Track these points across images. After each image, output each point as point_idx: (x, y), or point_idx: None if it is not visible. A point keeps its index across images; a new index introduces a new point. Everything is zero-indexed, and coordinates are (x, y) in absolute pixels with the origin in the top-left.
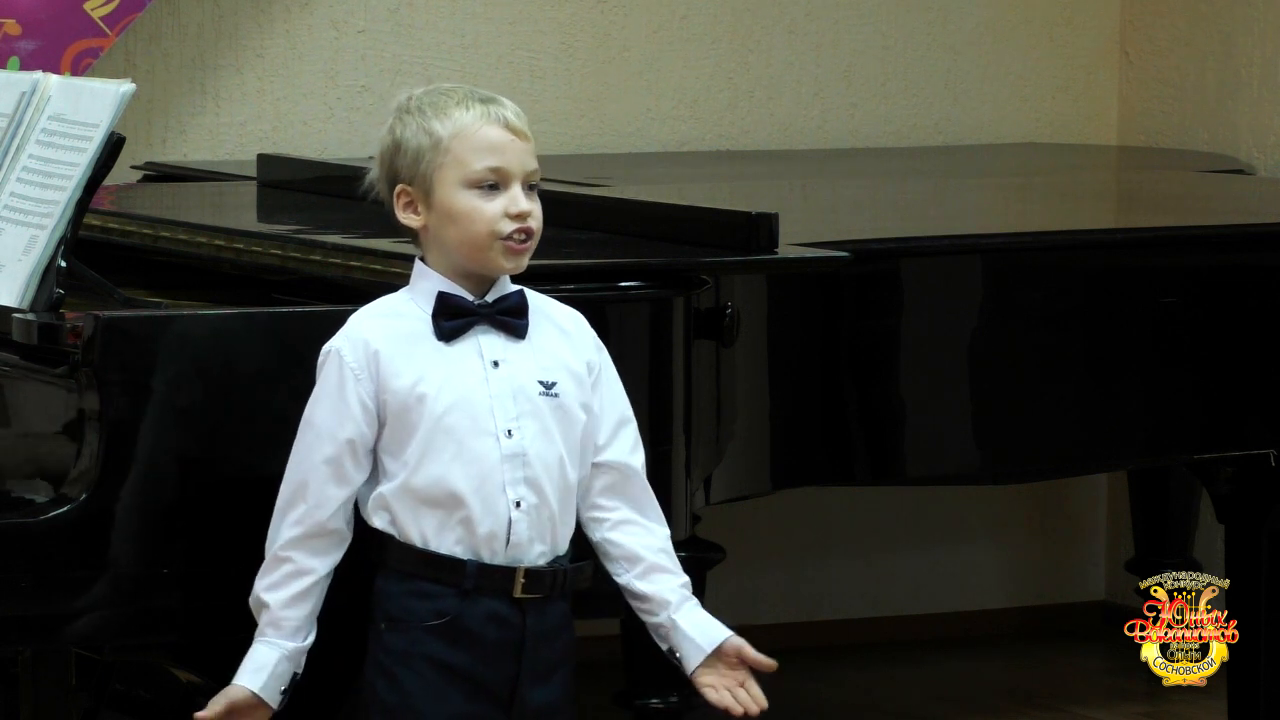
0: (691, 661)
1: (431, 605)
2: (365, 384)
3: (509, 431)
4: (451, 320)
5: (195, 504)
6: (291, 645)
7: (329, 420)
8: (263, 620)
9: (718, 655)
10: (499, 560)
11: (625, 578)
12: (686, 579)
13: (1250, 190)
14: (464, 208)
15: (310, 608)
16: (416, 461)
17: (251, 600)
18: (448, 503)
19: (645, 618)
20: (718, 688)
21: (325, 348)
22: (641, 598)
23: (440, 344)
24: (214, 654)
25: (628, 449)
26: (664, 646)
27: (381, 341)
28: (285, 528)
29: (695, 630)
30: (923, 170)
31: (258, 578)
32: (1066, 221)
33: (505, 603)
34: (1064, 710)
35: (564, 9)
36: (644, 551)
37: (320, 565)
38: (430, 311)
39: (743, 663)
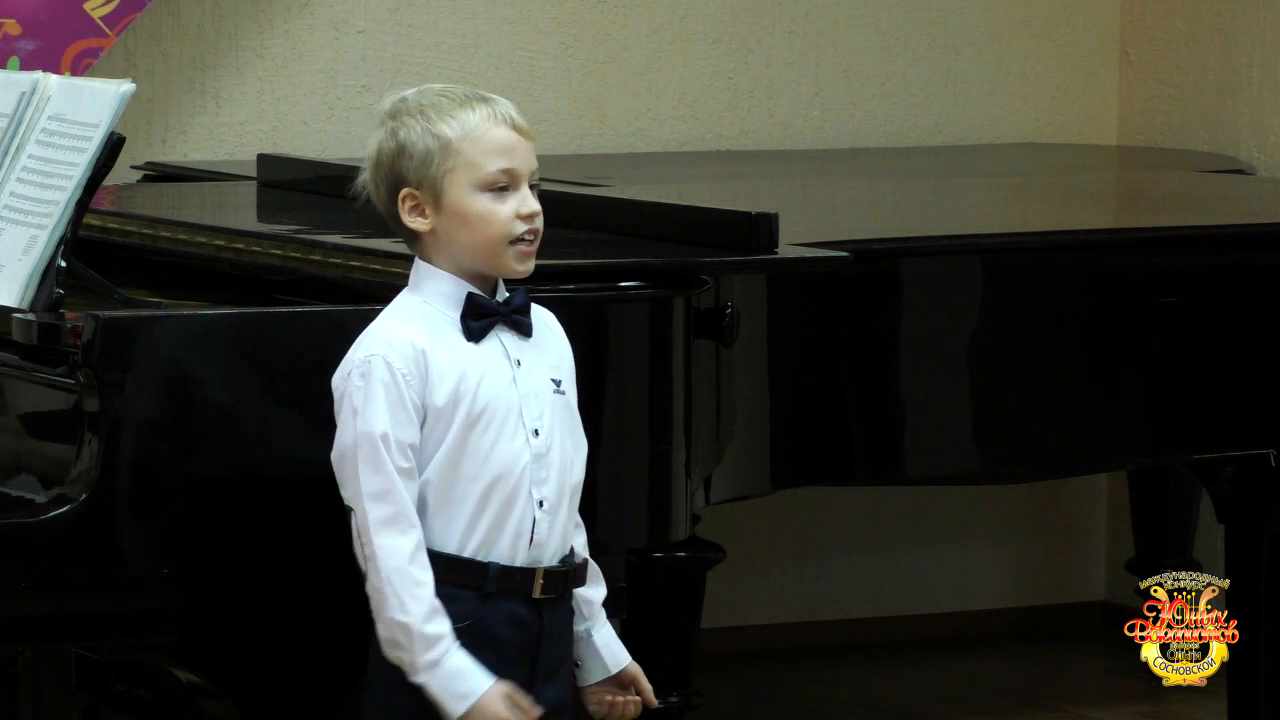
0: (592, 676)
1: (453, 609)
2: (416, 387)
3: (536, 431)
4: (479, 320)
5: (195, 504)
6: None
7: (393, 426)
8: (444, 632)
9: (615, 678)
10: (520, 561)
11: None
12: (605, 592)
13: (1250, 190)
14: (478, 210)
15: None
16: (449, 462)
17: (416, 624)
18: (478, 503)
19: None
20: (604, 705)
21: (363, 358)
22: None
23: (470, 344)
24: (214, 654)
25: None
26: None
27: (426, 343)
28: (405, 544)
29: (605, 649)
30: (923, 170)
31: (399, 608)
32: (1066, 221)
33: (524, 604)
34: (1064, 710)
35: (564, 9)
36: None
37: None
38: (449, 312)
39: (635, 690)
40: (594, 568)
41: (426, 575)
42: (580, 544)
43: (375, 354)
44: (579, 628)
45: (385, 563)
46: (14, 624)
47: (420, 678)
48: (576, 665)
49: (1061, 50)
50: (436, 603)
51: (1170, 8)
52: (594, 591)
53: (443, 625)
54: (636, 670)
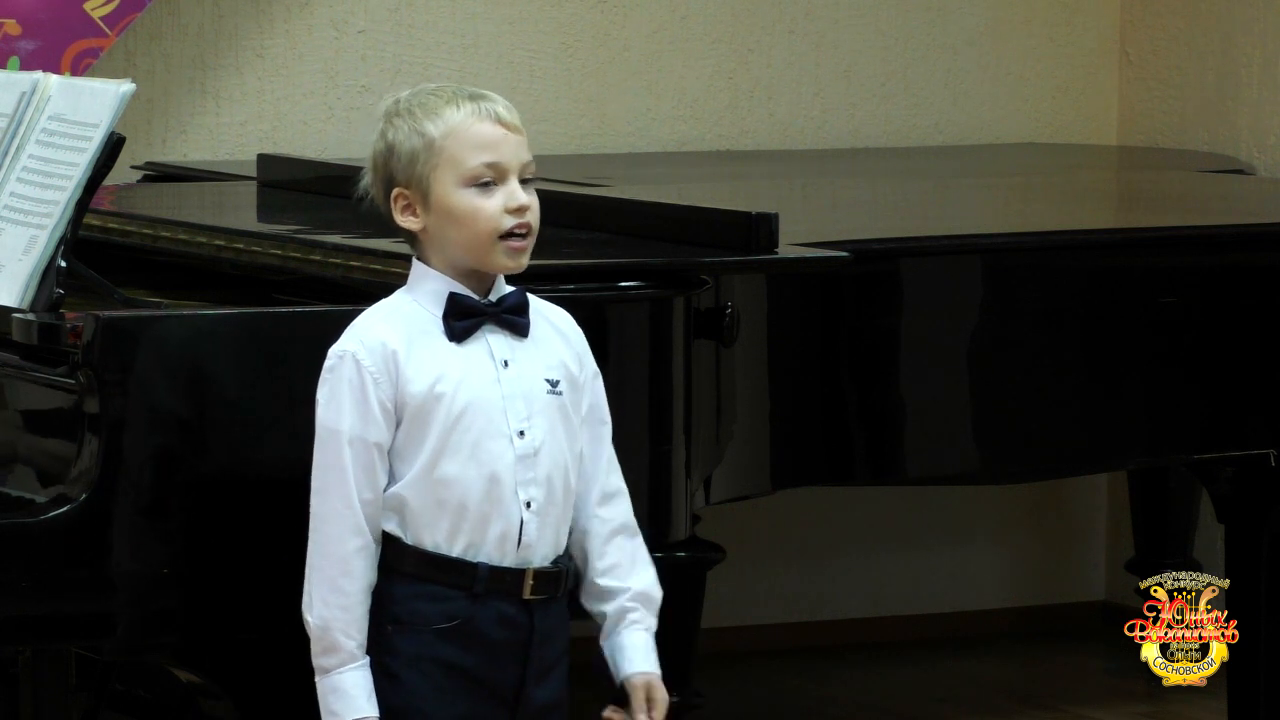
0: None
1: (441, 608)
2: (385, 387)
3: (521, 432)
4: (462, 320)
5: (195, 503)
6: (367, 659)
7: (357, 425)
8: (347, 643)
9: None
10: (509, 562)
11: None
12: (622, 602)
13: (1250, 190)
14: (463, 206)
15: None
16: (430, 462)
17: (321, 624)
18: (461, 504)
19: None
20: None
21: (335, 352)
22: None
23: (451, 344)
24: (214, 654)
25: (611, 463)
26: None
27: (399, 343)
28: (340, 542)
29: (610, 659)
30: (923, 170)
31: (322, 601)
32: (1066, 221)
33: (514, 604)
34: (1064, 710)
35: (564, 9)
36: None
37: (374, 575)
38: (436, 311)
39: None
40: (602, 587)
41: (352, 585)
42: (605, 565)
43: (347, 351)
44: (599, 637)
45: (313, 557)
46: (14, 624)
47: (316, 674)
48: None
49: (1061, 50)
50: (349, 616)
51: (1170, 8)
52: (603, 605)
53: (344, 640)
54: (636, 682)
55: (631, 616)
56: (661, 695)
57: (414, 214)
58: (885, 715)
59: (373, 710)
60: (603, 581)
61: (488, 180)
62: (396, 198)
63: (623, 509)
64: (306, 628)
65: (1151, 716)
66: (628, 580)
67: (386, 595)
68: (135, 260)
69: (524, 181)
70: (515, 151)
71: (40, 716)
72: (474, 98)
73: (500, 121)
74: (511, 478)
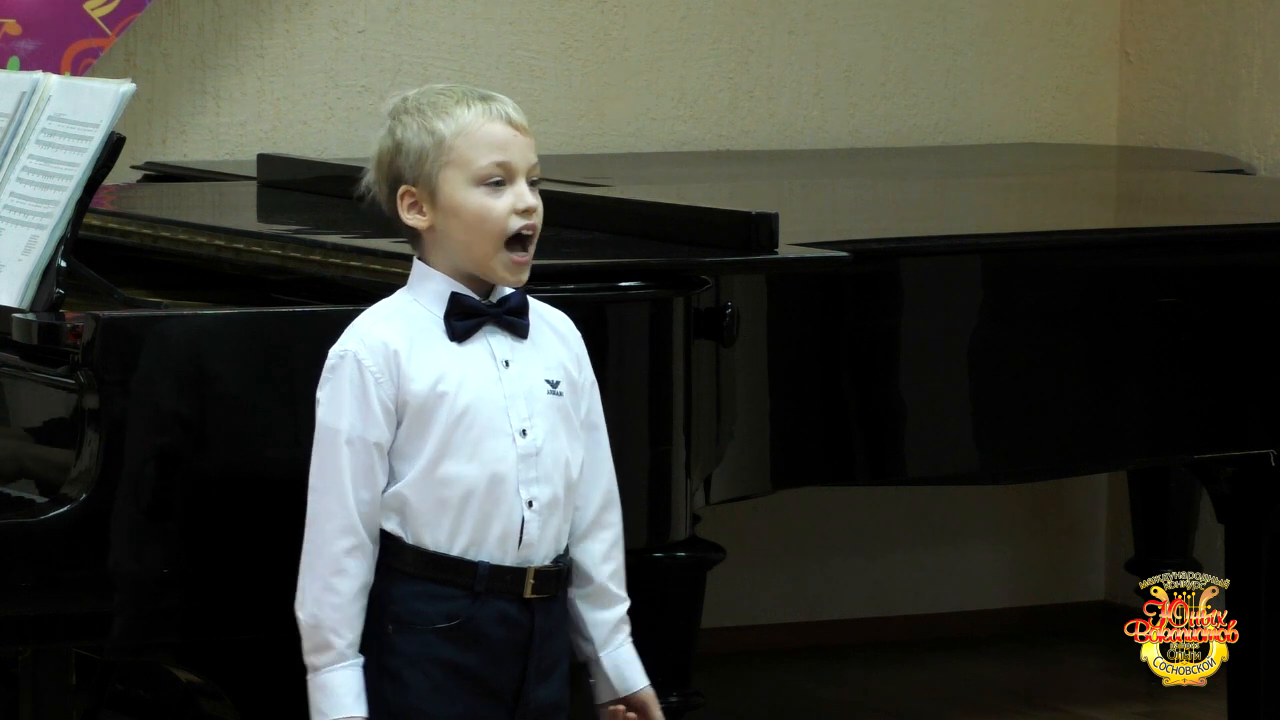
0: (602, 696)
1: (442, 607)
2: (386, 387)
3: (523, 431)
4: (464, 320)
5: (195, 504)
6: (361, 659)
7: (356, 424)
8: (337, 642)
9: (625, 701)
10: (510, 561)
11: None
12: (620, 613)
13: (1250, 190)
14: (472, 205)
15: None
16: (432, 462)
17: (311, 622)
18: (462, 503)
19: (574, 637)
20: None
21: (337, 352)
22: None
23: (452, 344)
24: (214, 654)
25: (610, 469)
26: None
27: (400, 342)
28: (334, 541)
29: (614, 672)
30: (923, 170)
31: (313, 599)
32: (1066, 221)
33: (515, 604)
34: (1064, 710)
35: (564, 9)
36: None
37: (371, 574)
38: (437, 311)
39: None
40: (609, 590)
41: (344, 584)
42: (610, 569)
43: (348, 350)
44: (589, 650)
45: (307, 555)
46: (14, 624)
47: (307, 672)
48: (590, 680)
49: (1061, 50)
50: (340, 615)
51: (1170, 8)
52: (604, 613)
53: (333, 638)
54: (648, 696)
55: (625, 629)
56: (659, 714)
57: (420, 212)
58: (885, 715)
59: (359, 710)
60: (613, 586)
61: (497, 180)
62: (403, 195)
63: (620, 516)
64: (299, 624)
65: (1151, 716)
66: (624, 589)
67: (386, 594)
68: (135, 260)
69: (530, 183)
70: (524, 153)
71: (40, 716)
72: (484, 98)
73: (510, 122)
74: (514, 477)
